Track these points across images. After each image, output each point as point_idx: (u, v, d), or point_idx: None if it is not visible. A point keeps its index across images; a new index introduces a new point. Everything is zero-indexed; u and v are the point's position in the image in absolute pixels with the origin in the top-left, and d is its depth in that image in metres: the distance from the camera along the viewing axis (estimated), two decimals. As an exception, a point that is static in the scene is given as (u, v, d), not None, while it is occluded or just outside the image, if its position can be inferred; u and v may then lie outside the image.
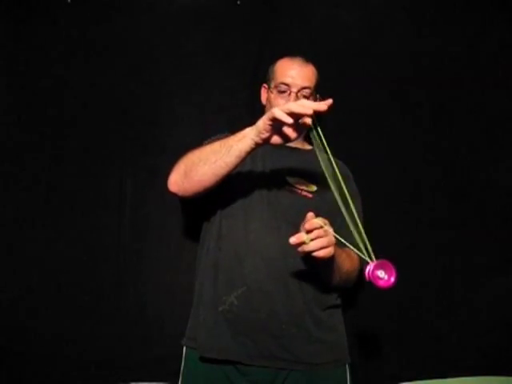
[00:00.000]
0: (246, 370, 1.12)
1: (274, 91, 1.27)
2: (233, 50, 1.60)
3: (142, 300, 1.49)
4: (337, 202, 1.21)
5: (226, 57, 1.60)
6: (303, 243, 0.92)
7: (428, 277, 1.53)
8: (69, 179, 1.52)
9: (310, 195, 1.22)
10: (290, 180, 1.23)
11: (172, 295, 1.49)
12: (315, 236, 0.92)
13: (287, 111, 0.92)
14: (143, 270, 1.51)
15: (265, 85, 1.34)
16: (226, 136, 1.32)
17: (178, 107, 1.58)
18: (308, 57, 1.31)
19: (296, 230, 1.16)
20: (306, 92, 1.25)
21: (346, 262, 1.13)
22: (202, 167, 1.08)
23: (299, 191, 1.22)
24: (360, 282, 1.47)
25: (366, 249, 0.88)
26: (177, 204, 1.42)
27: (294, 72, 1.26)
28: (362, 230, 0.89)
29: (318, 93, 1.32)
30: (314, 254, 0.93)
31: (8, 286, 1.45)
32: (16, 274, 1.46)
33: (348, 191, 0.97)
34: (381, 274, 0.85)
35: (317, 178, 1.24)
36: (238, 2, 1.61)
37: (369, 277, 0.85)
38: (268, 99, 1.31)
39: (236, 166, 1.06)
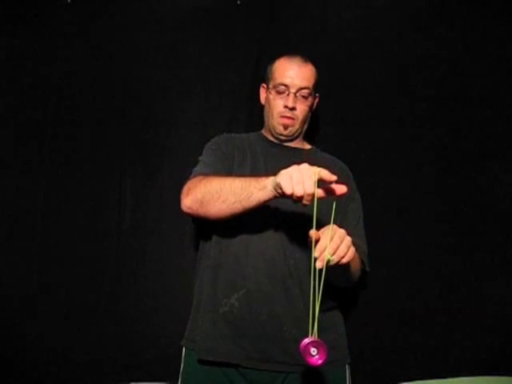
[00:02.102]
0: (245, 371, 1.12)
1: (273, 91, 1.27)
2: (233, 49, 1.60)
3: (142, 300, 1.49)
4: (338, 202, 1.22)
5: (226, 57, 1.60)
6: (328, 262, 0.89)
7: (428, 277, 1.52)
8: (69, 179, 1.52)
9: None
10: None
11: (172, 295, 1.49)
12: (334, 250, 0.89)
13: (291, 186, 0.90)
14: (143, 270, 1.51)
15: (264, 84, 1.34)
16: (225, 138, 1.31)
17: (177, 107, 1.58)
18: (308, 57, 1.30)
19: (296, 231, 1.16)
20: (305, 92, 1.25)
21: (352, 262, 1.09)
22: (220, 204, 1.06)
23: None
24: (360, 282, 1.48)
25: (313, 322, 0.90)
26: (177, 205, 1.41)
27: (293, 72, 1.25)
28: (317, 304, 0.89)
29: (317, 92, 1.32)
30: (340, 263, 0.91)
31: (8, 286, 1.45)
32: (16, 274, 1.46)
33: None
34: (313, 351, 0.90)
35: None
36: (238, 2, 1.61)
37: (302, 349, 0.90)
38: (267, 99, 1.31)
39: (252, 210, 1.05)
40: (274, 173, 1.19)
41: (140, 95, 1.57)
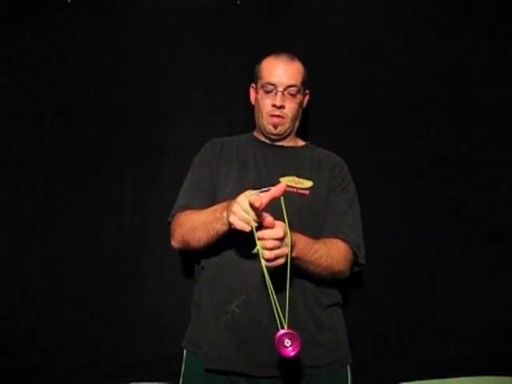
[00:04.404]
0: (249, 377, 1.11)
1: (261, 91, 1.26)
2: (233, 49, 1.60)
3: (142, 300, 1.49)
4: (328, 192, 1.22)
5: (226, 56, 1.60)
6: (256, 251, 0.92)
7: (428, 277, 1.52)
8: (69, 180, 1.52)
9: (307, 192, 1.21)
10: (284, 180, 1.21)
11: (172, 295, 1.49)
12: (271, 247, 0.91)
13: (244, 225, 0.94)
14: (143, 270, 1.51)
15: (253, 84, 1.32)
16: (212, 146, 1.31)
17: (177, 107, 1.58)
18: (307, 57, 1.30)
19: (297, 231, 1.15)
20: (293, 90, 1.24)
21: (325, 258, 1.10)
22: (198, 242, 1.14)
23: (295, 190, 1.21)
24: (360, 281, 1.48)
25: (279, 316, 0.93)
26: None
27: (280, 71, 1.24)
28: (275, 299, 0.93)
29: (317, 90, 1.32)
30: (262, 262, 0.92)
31: (8, 286, 1.45)
32: (16, 274, 1.46)
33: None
34: (287, 343, 0.91)
35: (312, 172, 1.24)
36: (238, 2, 1.61)
37: (277, 340, 0.91)
38: (256, 99, 1.30)
39: None
40: (267, 176, 1.21)
41: (140, 95, 1.57)
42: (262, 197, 0.89)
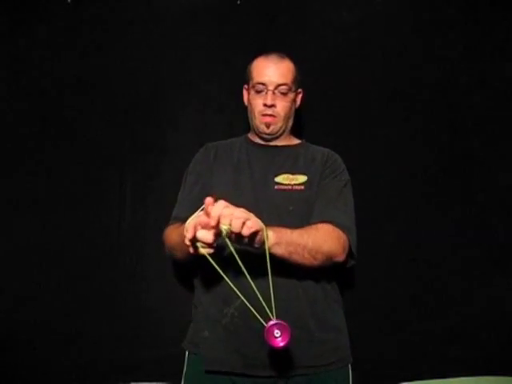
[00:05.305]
0: (249, 378, 1.11)
1: (252, 91, 1.27)
2: (232, 49, 1.60)
3: (142, 300, 1.49)
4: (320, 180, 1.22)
5: (226, 56, 1.60)
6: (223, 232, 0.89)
7: (428, 277, 1.52)
8: (69, 179, 1.52)
9: (302, 187, 1.21)
10: (278, 179, 1.22)
11: (172, 295, 1.48)
12: (228, 213, 0.88)
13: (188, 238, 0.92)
14: (143, 270, 1.51)
15: (245, 85, 1.33)
16: (205, 153, 1.31)
17: (178, 107, 1.58)
18: (306, 56, 1.30)
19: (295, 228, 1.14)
20: (283, 89, 1.24)
21: (307, 237, 1.06)
22: (179, 257, 1.19)
23: (290, 187, 1.21)
24: (360, 281, 1.48)
25: (264, 308, 0.93)
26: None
27: (269, 70, 1.24)
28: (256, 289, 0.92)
29: (316, 90, 1.31)
30: (243, 233, 0.88)
31: (8, 286, 1.45)
32: (16, 273, 1.46)
33: None
34: (277, 333, 0.91)
35: (306, 166, 1.24)
36: (238, 2, 1.61)
37: (266, 330, 0.91)
38: (248, 100, 1.30)
39: None
40: (261, 176, 1.22)
41: (140, 95, 1.57)
42: (198, 218, 0.90)
